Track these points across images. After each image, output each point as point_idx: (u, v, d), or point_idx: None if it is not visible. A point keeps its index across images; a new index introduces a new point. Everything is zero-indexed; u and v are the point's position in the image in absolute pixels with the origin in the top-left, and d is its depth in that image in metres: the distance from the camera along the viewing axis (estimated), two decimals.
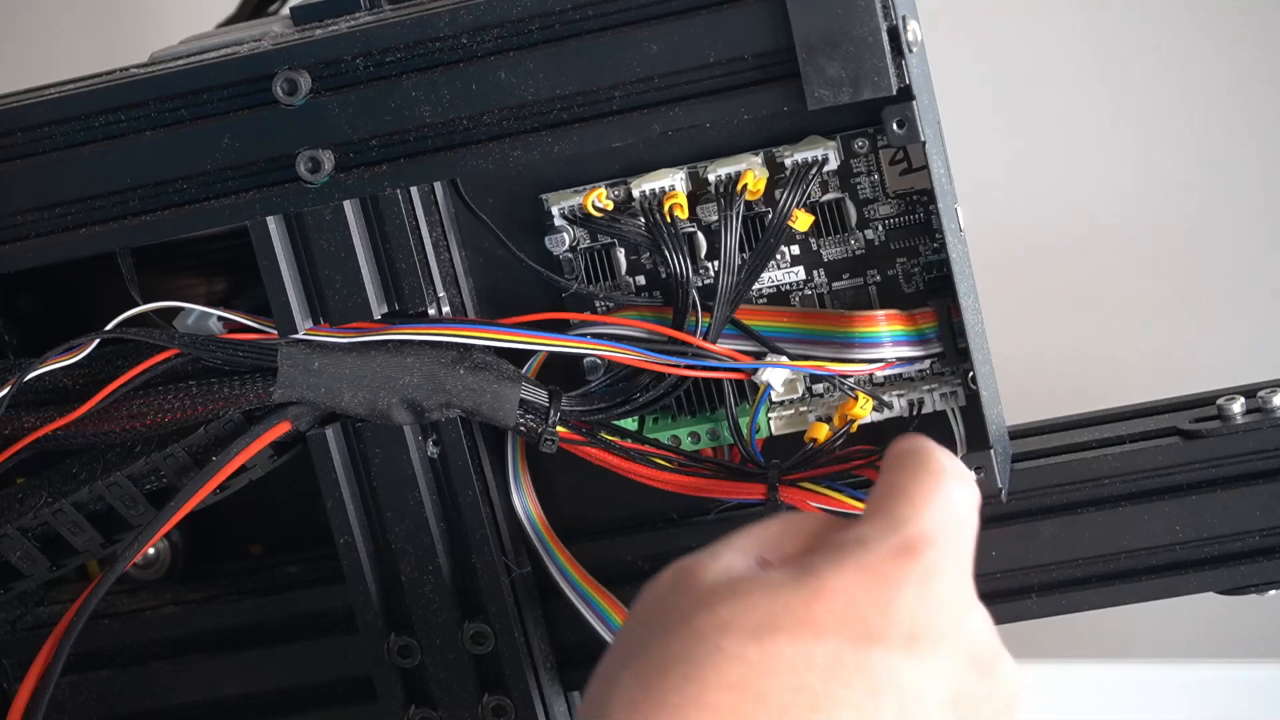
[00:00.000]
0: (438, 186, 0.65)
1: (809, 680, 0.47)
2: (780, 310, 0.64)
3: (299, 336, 0.64)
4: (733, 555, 0.50)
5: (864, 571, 0.49)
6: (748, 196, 0.62)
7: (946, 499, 0.51)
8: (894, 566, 0.49)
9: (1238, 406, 0.65)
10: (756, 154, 0.63)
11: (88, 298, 0.74)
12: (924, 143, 0.60)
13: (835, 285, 0.65)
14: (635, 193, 0.63)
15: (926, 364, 0.64)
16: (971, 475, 0.54)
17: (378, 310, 0.64)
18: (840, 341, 0.62)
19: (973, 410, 0.63)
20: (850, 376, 0.63)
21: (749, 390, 0.65)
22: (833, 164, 0.63)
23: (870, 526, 0.50)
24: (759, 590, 0.49)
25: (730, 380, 0.64)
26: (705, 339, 0.62)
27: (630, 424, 0.65)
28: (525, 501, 0.66)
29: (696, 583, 0.50)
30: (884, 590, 0.48)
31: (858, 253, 0.64)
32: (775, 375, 0.63)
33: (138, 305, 0.65)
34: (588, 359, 0.65)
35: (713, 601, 0.49)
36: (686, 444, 0.65)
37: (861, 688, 0.47)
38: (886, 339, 0.62)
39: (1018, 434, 0.68)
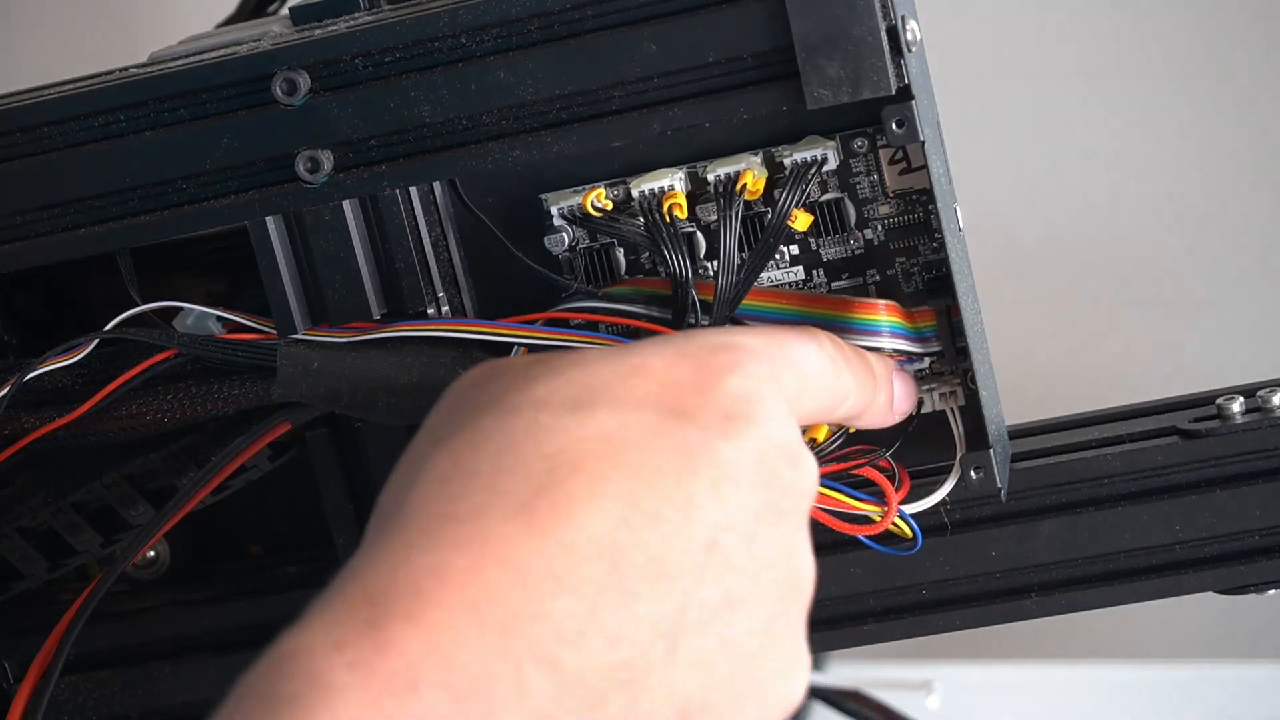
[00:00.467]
0: (437, 186, 0.65)
1: (625, 450, 0.48)
2: (781, 293, 0.64)
3: (298, 336, 0.64)
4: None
5: (682, 357, 0.50)
6: (747, 196, 0.62)
7: (786, 339, 0.53)
8: (711, 356, 0.50)
9: (1237, 406, 0.65)
10: (756, 154, 0.63)
11: (88, 298, 0.74)
12: (923, 142, 0.60)
13: (835, 285, 0.65)
14: (635, 193, 0.63)
15: (926, 363, 0.64)
16: (851, 366, 0.57)
17: (377, 310, 0.64)
18: (839, 327, 0.62)
19: (972, 410, 0.63)
20: None
21: None
22: (832, 164, 0.63)
23: (697, 331, 0.53)
24: (575, 366, 0.50)
25: None
26: None
27: None
28: None
29: (509, 366, 0.51)
30: (700, 373, 0.50)
31: (857, 252, 0.64)
32: None
33: (138, 305, 0.65)
34: None
35: (529, 379, 0.50)
36: None
37: (677, 459, 0.48)
38: (885, 328, 0.62)
39: (1018, 434, 0.68)
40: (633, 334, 0.64)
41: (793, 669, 0.50)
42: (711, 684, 0.48)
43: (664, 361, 0.50)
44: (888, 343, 0.62)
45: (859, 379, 0.57)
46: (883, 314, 0.62)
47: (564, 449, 0.47)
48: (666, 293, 0.62)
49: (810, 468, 0.52)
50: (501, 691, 0.44)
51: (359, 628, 0.44)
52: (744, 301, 0.63)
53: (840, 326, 0.62)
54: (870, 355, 0.60)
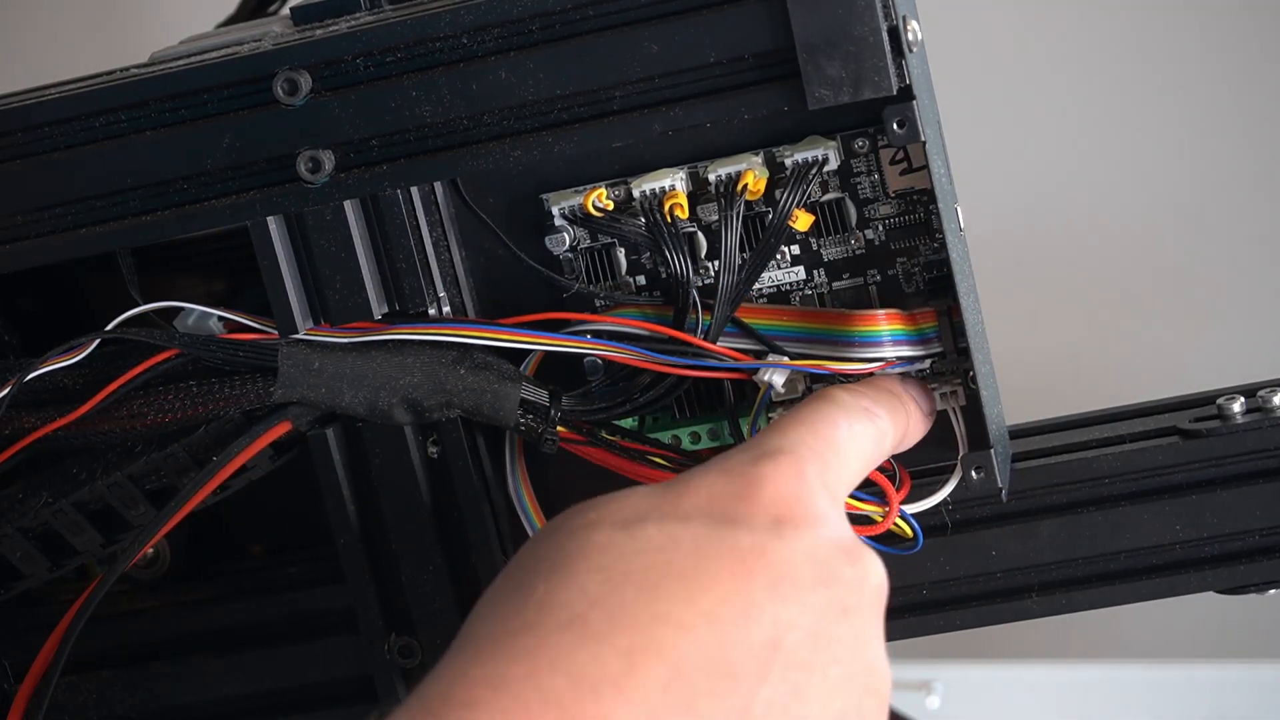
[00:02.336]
0: (438, 186, 0.65)
1: (676, 559, 0.48)
2: (780, 309, 0.64)
3: (299, 336, 0.64)
4: None
5: (725, 472, 0.51)
6: (748, 196, 0.62)
7: (817, 425, 0.54)
8: (752, 468, 0.51)
9: (1238, 406, 0.65)
10: (757, 154, 0.63)
11: (88, 298, 0.74)
12: (924, 142, 0.60)
13: (835, 285, 0.65)
14: (635, 193, 0.63)
15: (927, 364, 0.64)
16: (880, 408, 0.57)
17: (378, 310, 0.64)
18: (840, 340, 0.62)
19: (973, 410, 0.63)
20: (851, 375, 0.63)
21: (749, 390, 0.65)
22: (833, 164, 0.63)
23: (737, 447, 0.53)
24: (627, 494, 0.51)
25: (730, 380, 0.64)
26: (706, 339, 0.62)
27: (630, 424, 0.65)
28: (525, 502, 0.66)
29: (570, 509, 0.51)
30: (746, 485, 0.50)
31: (858, 252, 0.64)
32: (776, 375, 0.63)
33: (138, 305, 0.65)
34: (588, 359, 0.65)
35: (584, 509, 0.50)
36: (686, 444, 0.66)
37: (731, 564, 0.48)
38: (887, 338, 0.62)
39: (1018, 434, 0.68)
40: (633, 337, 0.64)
41: None
42: None
43: (709, 479, 0.51)
44: (890, 351, 0.62)
45: (890, 411, 0.58)
46: (883, 324, 0.62)
47: (615, 563, 0.48)
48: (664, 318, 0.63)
49: (873, 563, 0.51)
50: None
51: None
52: (745, 318, 0.63)
53: (841, 340, 0.62)
54: (878, 377, 0.60)
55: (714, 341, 0.62)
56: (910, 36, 0.59)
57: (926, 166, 0.61)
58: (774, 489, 0.50)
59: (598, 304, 0.65)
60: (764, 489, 0.50)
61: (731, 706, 0.46)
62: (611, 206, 0.64)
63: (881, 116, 0.59)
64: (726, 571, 0.48)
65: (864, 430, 0.56)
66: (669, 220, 0.63)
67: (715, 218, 0.63)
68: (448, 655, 0.48)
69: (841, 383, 0.64)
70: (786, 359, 0.63)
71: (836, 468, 0.53)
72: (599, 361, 0.65)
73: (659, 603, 0.46)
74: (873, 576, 0.51)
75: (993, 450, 0.62)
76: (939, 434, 0.64)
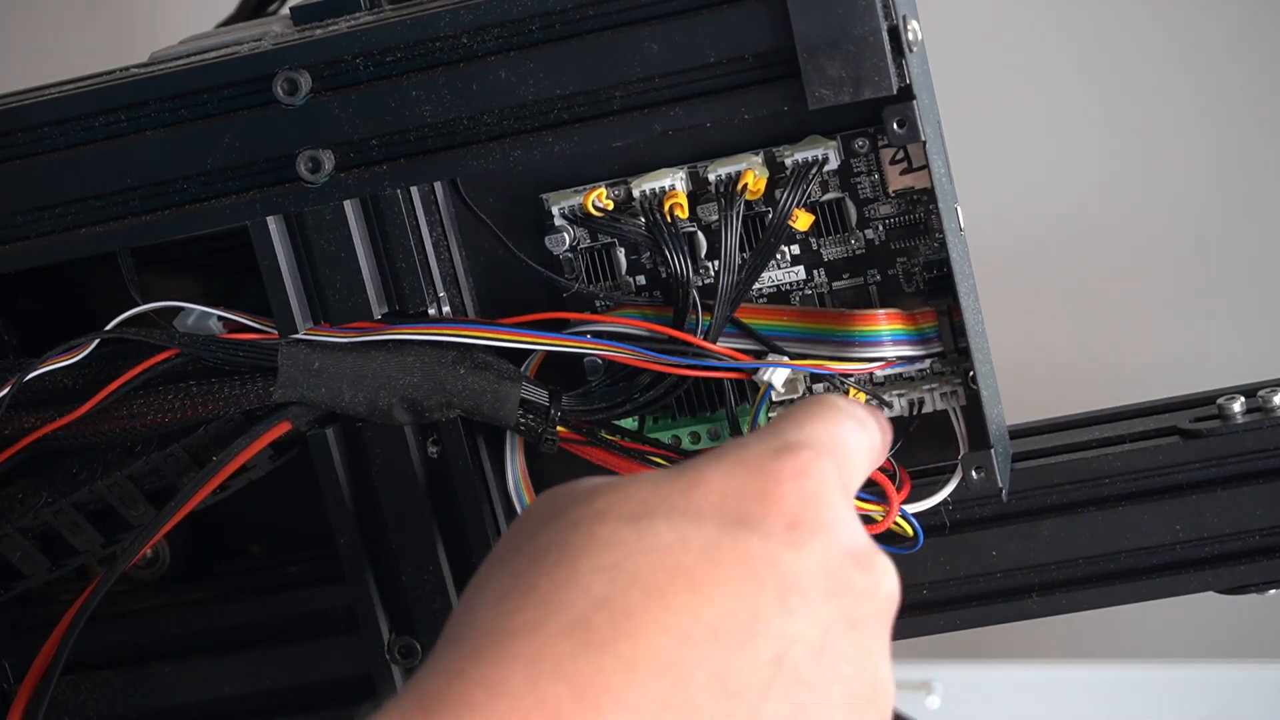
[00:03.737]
0: (438, 186, 0.65)
1: (685, 562, 0.46)
2: (780, 309, 0.64)
3: (299, 336, 0.64)
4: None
5: (742, 466, 0.49)
6: (748, 196, 0.62)
7: (831, 423, 0.52)
8: (772, 462, 0.49)
9: (1238, 406, 0.65)
10: (757, 154, 0.63)
11: (88, 298, 0.73)
12: (924, 142, 0.60)
13: (835, 285, 0.65)
14: (635, 192, 0.63)
15: (927, 363, 0.64)
16: (872, 421, 0.55)
17: (378, 310, 0.64)
18: (840, 340, 0.62)
19: (973, 410, 0.63)
20: (850, 375, 0.63)
21: (749, 390, 0.65)
22: (833, 163, 0.63)
23: (753, 436, 0.51)
24: (636, 483, 0.49)
25: (730, 380, 0.64)
26: (706, 338, 0.62)
27: (630, 424, 0.65)
28: (525, 502, 0.66)
29: (573, 487, 0.50)
30: (762, 482, 0.48)
31: (858, 252, 0.64)
32: (776, 375, 0.63)
33: (138, 305, 0.65)
34: (588, 359, 0.65)
35: (589, 495, 0.49)
36: (686, 444, 0.66)
37: (741, 571, 0.47)
38: (887, 338, 0.62)
39: (1018, 434, 0.68)
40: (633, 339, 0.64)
41: None
42: None
43: (724, 471, 0.49)
44: (890, 351, 0.62)
45: (878, 422, 0.56)
46: (883, 324, 0.62)
47: (621, 562, 0.46)
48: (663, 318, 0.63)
49: (886, 570, 0.50)
50: None
51: None
52: (745, 318, 0.63)
53: (841, 340, 0.62)
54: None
55: (714, 341, 0.62)
56: (910, 36, 0.59)
57: (926, 166, 0.61)
58: (791, 489, 0.48)
59: (598, 304, 0.65)
60: (781, 488, 0.48)
61: None
62: (611, 206, 0.64)
63: (881, 116, 0.59)
64: (735, 579, 0.46)
65: (866, 434, 0.54)
66: (669, 220, 0.63)
67: (715, 218, 0.63)
68: (443, 645, 0.47)
69: (841, 383, 0.64)
70: (786, 359, 0.63)
71: (849, 466, 0.52)
72: (599, 361, 0.65)
73: (665, 611, 0.45)
74: (885, 585, 0.49)
75: (993, 450, 0.62)
76: (939, 434, 0.64)
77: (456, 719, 0.44)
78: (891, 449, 0.61)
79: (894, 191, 0.64)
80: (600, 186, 0.64)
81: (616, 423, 0.64)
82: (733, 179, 0.62)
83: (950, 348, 0.63)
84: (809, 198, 0.63)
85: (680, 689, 0.45)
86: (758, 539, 0.47)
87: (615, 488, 0.49)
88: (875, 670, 0.48)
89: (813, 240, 0.64)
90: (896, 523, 0.61)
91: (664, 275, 0.65)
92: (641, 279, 0.65)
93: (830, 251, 0.64)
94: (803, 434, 0.50)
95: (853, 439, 0.52)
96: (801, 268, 0.65)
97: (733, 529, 0.47)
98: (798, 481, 0.49)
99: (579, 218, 0.64)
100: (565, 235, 0.65)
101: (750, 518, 0.48)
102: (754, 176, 0.62)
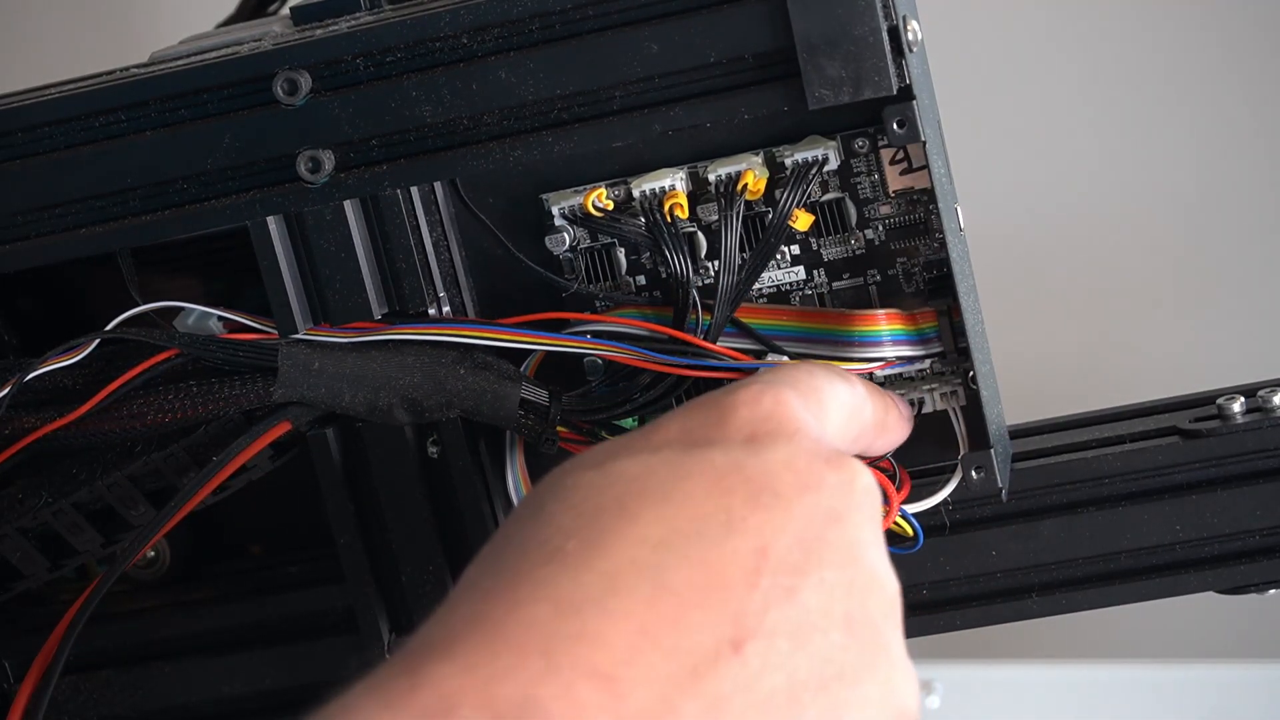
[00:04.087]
0: (438, 186, 0.65)
1: (652, 485, 0.47)
2: (780, 309, 0.64)
3: (299, 336, 0.64)
4: None
5: (698, 404, 0.51)
6: (748, 196, 0.62)
7: (793, 368, 0.54)
8: (726, 396, 0.50)
9: (1238, 406, 0.65)
10: (757, 154, 0.63)
11: (88, 298, 0.74)
12: (924, 142, 0.60)
13: (835, 285, 0.65)
14: (635, 192, 0.63)
15: (927, 363, 0.64)
16: (853, 377, 0.56)
17: (378, 310, 0.64)
18: (840, 340, 0.62)
19: (973, 410, 0.63)
20: None
21: None
22: (833, 164, 0.63)
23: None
24: (603, 442, 0.51)
25: (730, 380, 0.64)
26: (706, 338, 0.62)
27: (630, 424, 0.65)
28: None
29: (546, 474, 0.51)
30: (719, 411, 0.50)
31: (858, 252, 0.64)
32: None
33: (138, 305, 0.65)
34: (588, 359, 0.65)
35: (562, 463, 0.50)
36: None
37: (706, 481, 0.47)
38: (886, 338, 0.62)
39: (1018, 434, 0.68)
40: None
41: (888, 672, 0.47)
42: (798, 688, 0.45)
43: (680, 413, 0.50)
44: (890, 351, 0.62)
45: (868, 388, 0.57)
46: (883, 324, 0.62)
47: (588, 498, 0.47)
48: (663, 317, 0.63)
49: (857, 467, 0.50)
50: (553, 709, 0.42)
51: (395, 675, 0.44)
52: (745, 318, 0.63)
53: (841, 340, 0.62)
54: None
55: (714, 341, 0.62)
56: (910, 36, 0.59)
57: (926, 166, 0.61)
58: (747, 412, 0.49)
59: (598, 304, 0.65)
60: (737, 412, 0.49)
61: (723, 615, 0.45)
62: (611, 206, 0.64)
63: (881, 116, 0.59)
64: (703, 490, 0.47)
65: (842, 386, 0.55)
66: (669, 220, 0.63)
67: (715, 218, 0.63)
68: (434, 609, 0.48)
69: None
70: (786, 359, 0.63)
71: (816, 402, 0.52)
72: (599, 361, 0.65)
73: (637, 525, 0.46)
74: (860, 479, 0.50)
75: (993, 450, 0.62)
76: (939, 434, 0.64)
77: (442, 652, 0.44)
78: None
79: (894, 191, 0.64)
80: (600, 186, 0.64)
81: (617, 423, 0.64)
82: (733, 179, 0.62)
83: (950, 348, 0.63)
84: (809, 198, 0.63)
85: (663, 589, 0.45)
86: (718, 452, 0.48)
87: (581, 452, 0.51)
88: (868, 559, 0.48)
89: (813, 240, 0.64)
90: (896, 523, 0.61)
91: (664, 275, 0.65)
92: (641, 279, 0.65)
93: (830, 251, 0.64)
94: (761, 374, 0.52)
95: (820, 380, 0.53)
96: (801, 268, 0.65)
97: (693, 449, 0.48)
98: (751, 406, 0.50)
99: (579, 218, 0.64)
100: (565, 235, 0.65)
101: (710, 439, 0.49)
102: (754, 176, 0.62)
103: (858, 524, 0.49)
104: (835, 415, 0.54)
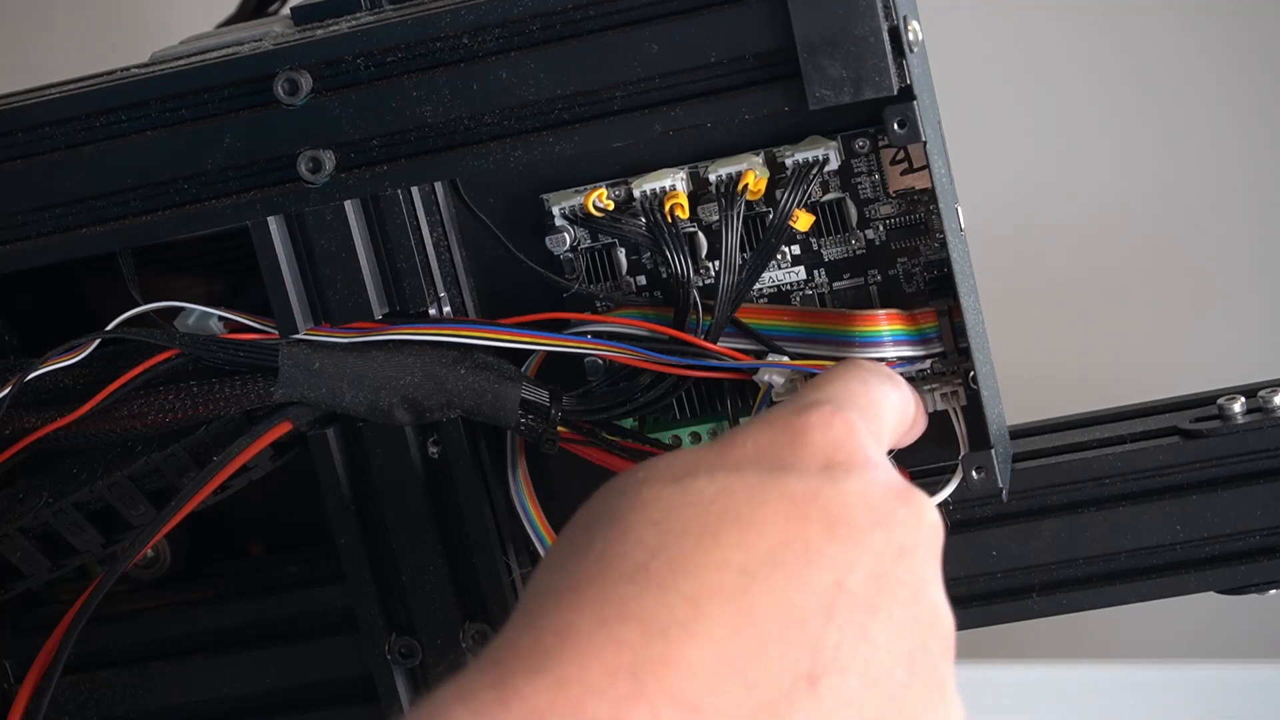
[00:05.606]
0: (438, 186, 0.65)
1: (732, 507, 0.48)
2: (781, 309, 0.64)
3: (300, 336, 0.64)
4: None
5: (770, 424, 0.51)
6: (748, 196, 0.62)
7: (853, 380, 0.54)
8: (796, 418, 0.51)
9: (1238, 406, 0.65)
10: (757, 154, 0.63)
11: (88, 298, 0.74)
12: (925, 142, 0.60)
13: (836, 285, 0.65)
14: (636, 193, 0.63)
15: (927, 364, 0.64)
16: (900, 379, 0.57)
17: (379, 310, 0.64)
18: (841, 341, 0.62)
19: (973, 410, 0.63)
20: None
21: (749, 390, 0.65)
22: (834, 164, 0.63)
23: (779, 404, 0.53)
24: (674, 453, 0.51)
25: (731, 380, 0.64)
26: (706, 339, 0.62)
27: (630, 424, 0.65)
28: (525, 501, 0.66)
29: (614, 478, 0.51)
30: (792, 434, 0.50)
31: (858, 253, 0.64)
32: (776, 375, 0.63)
33: (138, 305, 0.65)
34: (588, 359, 0.65)
35: (632, 472, 0.50)
36: (687, 444, 0.65)
37: (785, 509, 0.48)
38: (887, 338, 0.62)
39: (1018, 434, 0.68)
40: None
41: (944, 712, 0.48)
42: None
43: (754, 430, 0.51)
44: (891, 351, 0.62)
45: (908, 385, 0.58)
46: (884, 324, 0.62)
47: (669, 514, 0.48)
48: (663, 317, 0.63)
49: (925, 503, 0.50)
50: None
51: (485, 687, 0.44)
52: (745, 318, 0.63)
53: (842, 340, 0.62)
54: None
55: (714, 341, 0.62)
56: (911, 36, 0.59)
57: (927, 166, 0.61)
58: (821, 436, 0.50)
59: (598, 304, 0.65)
60: (811, 436, 0.50)
61: (800, 648, 0.46)
62: (612, 206, 0.64)
63: (882, 116, 0.59)
64: (782, 516, 0.47)
65: (893, 392, 0.56)
66: (669, 220, 0.63)
67: (716, 218, 0.63)
68: (510, 616, 0.48)
69: None
70: (786, 359, 0.63)
71: (875, 418, 0.53)
72: (599, 361, 0.65)
73: (719, 549, 0.46)
74: (927, 516, 0.50)
75: (993, 450, 0.62)
76: (939, 434, 0.64)
77: (532, 666, 0.44)
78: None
79: (894, 192, 0.64)
80: (601, 187, 0.64)
81: (617, 423, 0.64)
82: (733, 179, 0.62)
83: (950, 348, 0.63)
84: (809, 198, 0.63)
85: (746, 619, 0.45)
86: (795, 478, 0.49)
87: (658, 459, 0.50)
88: (930, 597, 0.49)
89: (813, 240, 0.64)
90: None
91: (664, 275, 0.65)
92: (642, 279, 0.65)
93: (831, 252, 0.64)
94: (824, 394, 0.52)
95: (876, 392, 0.54)
96: (802, 268, 0.65)
97: (772, 473, 0.49)
98: (824, 432, 0.50)
99: (579, 218, 0.64)
100: (565, 235, 0.65)
101: (786, 463, 0.49)
102: (754, 176, 0.62)
103: (924, 560, 0.49)
104: (889, 425, 0.55)
